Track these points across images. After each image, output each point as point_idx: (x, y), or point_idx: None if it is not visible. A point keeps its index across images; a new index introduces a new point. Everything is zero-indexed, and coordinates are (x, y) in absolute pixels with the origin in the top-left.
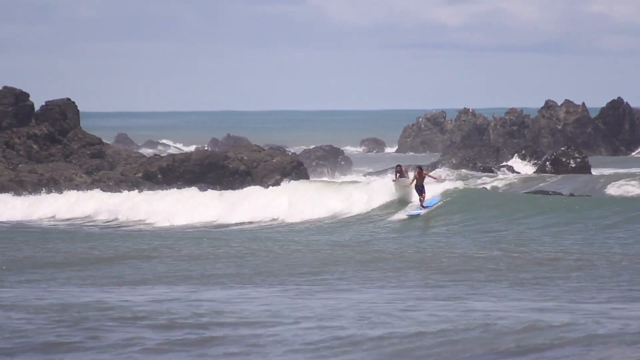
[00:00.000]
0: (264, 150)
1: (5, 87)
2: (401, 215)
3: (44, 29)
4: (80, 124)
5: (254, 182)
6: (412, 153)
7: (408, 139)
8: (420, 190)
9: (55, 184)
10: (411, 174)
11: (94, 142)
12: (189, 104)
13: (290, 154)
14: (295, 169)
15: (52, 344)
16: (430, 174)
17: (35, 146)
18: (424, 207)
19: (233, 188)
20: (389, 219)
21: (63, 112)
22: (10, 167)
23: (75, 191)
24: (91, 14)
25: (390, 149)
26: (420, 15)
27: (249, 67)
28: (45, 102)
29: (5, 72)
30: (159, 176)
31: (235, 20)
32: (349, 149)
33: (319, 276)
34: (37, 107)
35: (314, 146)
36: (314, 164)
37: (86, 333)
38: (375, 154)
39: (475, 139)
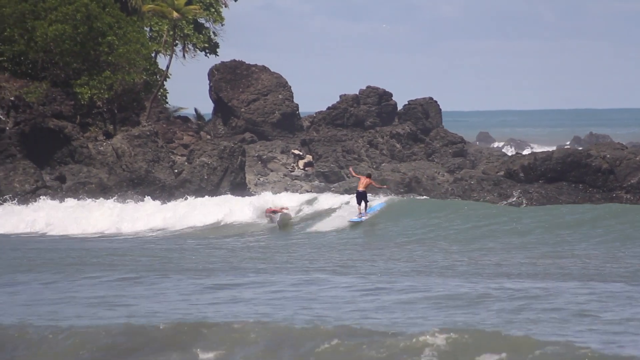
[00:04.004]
0: (626, 148)
1: (369, 87)
2: (340, 222)
3: (407, 28)
4: (442, 123)
5: (616, 181)
6: None
7: None
8: (361, 197)
9: (417, 183)
10: None
11: (455, 141)
12: (549, 101)
13: None
14: None
15: None
16: (376, 184)
17: (397, 145)
18: (365, 213)
19: (595, 187)
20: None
21: (425, 111)
22: (374, 167)
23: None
24: (453, 13)
25: None
26: None
27: (609, 63)
28: (408, 101)
29: (370, 71)
30: (521, 174)
31: (598, 17)
32: None
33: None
34: (399, 106)
35: None
36: None
37: None
38: None
39: None
